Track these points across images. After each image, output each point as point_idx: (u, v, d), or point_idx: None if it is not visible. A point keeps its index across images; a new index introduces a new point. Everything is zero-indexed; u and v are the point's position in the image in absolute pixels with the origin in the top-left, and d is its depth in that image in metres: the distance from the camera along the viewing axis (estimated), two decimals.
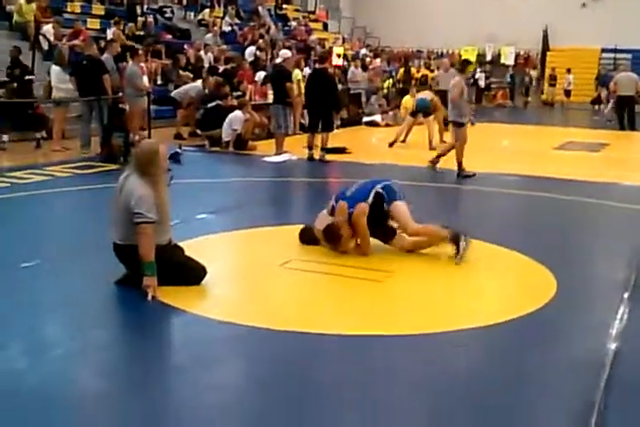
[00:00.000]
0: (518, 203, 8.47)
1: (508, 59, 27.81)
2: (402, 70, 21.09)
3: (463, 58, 15.27)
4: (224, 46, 17.99)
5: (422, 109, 13.09)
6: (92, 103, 11.06)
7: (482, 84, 25.07)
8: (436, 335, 4.16)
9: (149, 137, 11.41)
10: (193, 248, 5.22)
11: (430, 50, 28.40)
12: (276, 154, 11.19)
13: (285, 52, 12.27)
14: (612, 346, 4.01)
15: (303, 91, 12.29)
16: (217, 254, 5.86)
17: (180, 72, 15.12)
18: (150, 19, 18.11)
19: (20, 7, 15.10)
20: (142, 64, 12.43)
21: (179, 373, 3.72)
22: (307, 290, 5.06)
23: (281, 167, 10.58)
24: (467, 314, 4.57)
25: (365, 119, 17.31)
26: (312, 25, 25.77)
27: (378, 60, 22.36)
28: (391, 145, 12.89)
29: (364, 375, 3.66)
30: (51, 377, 3.56)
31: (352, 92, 18.08)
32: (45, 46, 14.61)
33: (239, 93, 14.15)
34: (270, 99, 12.57)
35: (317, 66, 12.07)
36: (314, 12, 28.32)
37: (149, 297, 4.53)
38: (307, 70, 14.78)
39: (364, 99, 18.51)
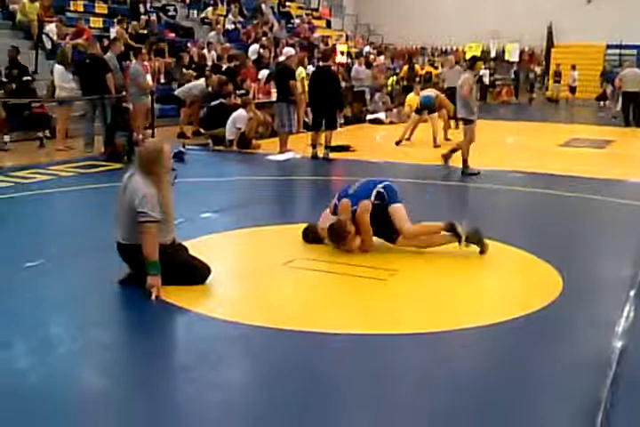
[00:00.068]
0: (523, 200, 8.44)
1: (512, 55, 27.76)
2: (406, 67, 21.06)
3: (472, 55, 15.22)
4: (227, 44, 17.97)
5: (427, 107, 13.05)
6: (96, 102, 11.06)
7: (486, 80, 25.01)
8: (441, 334, 4.14)
9: (153, 136, 11.41)
10: (197, 247, 5.22)
11: (434, 47, 28.35)
12: (280, 152, 11.17)
13: (289, 50, 12.26)
14: (618, 344, 3.99)
15: (307, 89, 12.27)
16: (221, 253, 5.85)
17: (184, 70, 15.10)
18: (153, 17, 18.11)
19: (23, 6, 15.12)
20: (146, 63, 12.42)
21: (183, 372, 3.71)
22: (311, 289, 5.05)
23: (285, 166, 10.57)
24: (471, 312, 4.55)
25: (369, 117, 17.28)
26: (315, 22, 25.76)
27: (381, 58, 22.32)
28: (398, 143, 12.86)
29: (369, 374, 3.65)
30: (54, 376, 3.56)
31: (356, 89, 18.04)
32: (48, 45, 14.62)
33: (242, 92, 14.13)
34: (274, 97, 12.56)
35: (321, 63, 12.04)
36: (317, 10, 28.29)
37: (153, 297, 4.52)
38: (310, 68, 14.75)
39: (367, 96, 18.47)
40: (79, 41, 14.21)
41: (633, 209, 7.76)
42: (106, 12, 17.81)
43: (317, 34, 23.42)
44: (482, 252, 5.65)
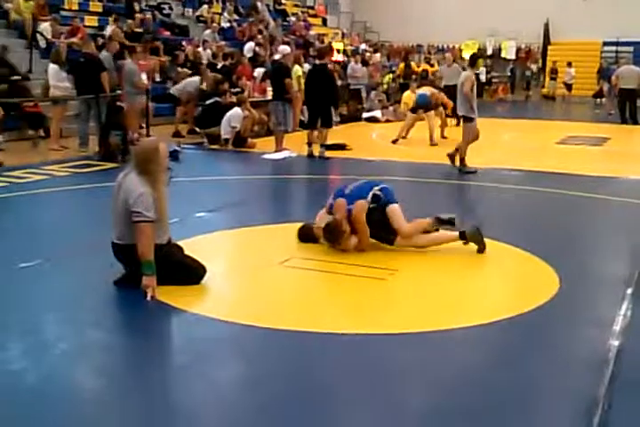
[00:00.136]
0: (520, 198, 8.43)
1: (509, 53, 27.76)
2: (402, 65, 21.04)
3: (473, 52, 15.21)
4: (222, 42, 17.93)
5: (422, 105, 13.03)
6: (90, 101, 11.02)
7: (483, 78, 24.99)
8: (439, 333, 4.12)
9: (148, 135, 11.38)
10: (192, 247, 5.19)
11: (431, 44, 28.31)
12: (276, 151, 11.15)
13: (285, 48, 12.21)
14: (616, 343, 3.98)
15: (303, 87, 12.24)
16: (216, 253, 5.82)
17: (179, 69, 15.07)
18: (148, 15, 18.05)
19: (17, 5, 15.06)
20: (142, 61, 12.38)
21: (179, 372, 3.69)
22: (307, 288, 5.03)
23: (281, 164, 10.54)
24: (469, 311, 4.54)
25: (365, 115, 17.26)
26: (311, 20, 25.70)
27: (377, 56, 22.30)
28: (394, 142, 12.83)
29: (367, 374, 3.63)
30: (50, 377, 3.54)
31: (352, 87, 18.02)
32: (43, 44, 14.56)
33: (238, 90, 14.10)
34: (269, 95, 12.53)
35: (317, 62, 12.01)
36: (313, 7, 28.25)
37: (149, 297, 4.50)
38: (307, 66, 14.72)
39: (364, 94, 18.45)
40: (74, 40, 14.19)
41: (630, 207, 7.75)
42: (100, 10, 17.75)
43: (313, 32, 23.38)
44: (480, 251, 5.64)
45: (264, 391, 3.43)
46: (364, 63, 19.45)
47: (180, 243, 5.08)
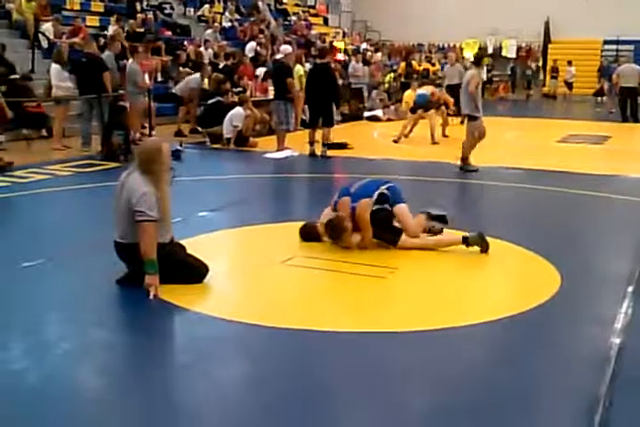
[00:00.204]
0: (521, 197, 8.43)
1: (509, 51, 27.74)
2: (403, 64, 21.05)
3: (479, 52, 15.24)
4: (224, 42, 17.94)
5: (421, 105, 13.03)
6: (92, 101, 11.03)
7: (484, 77, 24.96)
8: (440, 331, 4.13)
9: (150, 135, 11.39)
10: (195, 246, 5.21)
11: (431, 43, 28.30)
12: (278, 150, 11.16)
13: (286, 48, 12.22)
14: (617, 341, 3.99)
15: (304, 86, 12.24)
16: (219, 252, 5.84)
17: (180, 69, 15.08)
18: (150, 15, 18.06)
19: (19, 5, 15.08)
20: (143, 61, 12.39)
21: (181, 370, 3.71)
22: (310, 287, 5.04)
23: (282, 164, 10.55)
24: (470, 310, 4.55)
25: (367, 114, 17.26)
26: (312, 20, 25.71)
27: (379, 55, 22.29)
28: (396, 141, 12.83)
29: (370, 372, 3.64)
30: (52, 377, 3.55)
31: (353, 86, 18.03)
32: (45, 44, 14.59)
33: (240, 90, 14.11)
34: (271, 95, 12.54)
35: (318, 61, 12.01)
36: (314, 7, 28.25)
37: (151, 296, 4.51)
38: (308, 65, 14.73)
39: (365, 93, 18.45)
40: (76, 40, 14.19)
41: (631, 205, 7.76)
42: (102, 10, 17.76)
43: (314, 31, 23.38)
44: (483, 251, 5.64)
45: (266, 390, 3.44)
46: (366, 62, 19.47)
47: (182, 242, 5.09)
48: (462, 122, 12.49)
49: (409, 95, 14.64)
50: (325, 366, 3.75)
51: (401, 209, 5.75)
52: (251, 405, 3.33)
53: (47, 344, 3.96)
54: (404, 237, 5.71)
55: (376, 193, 5.71)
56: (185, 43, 17.43)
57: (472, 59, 23.16)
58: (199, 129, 12.90)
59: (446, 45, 28.11)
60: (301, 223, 6.10)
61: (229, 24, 20.65)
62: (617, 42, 25.92)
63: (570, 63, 25.03)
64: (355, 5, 30.43)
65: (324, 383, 3.56)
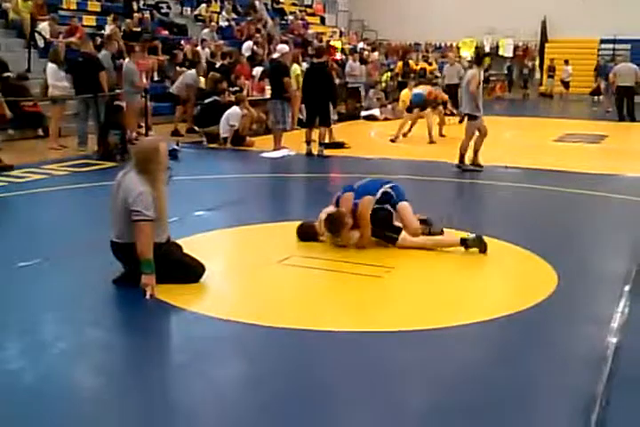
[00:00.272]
0: (518, 196, 8.44)
1: (506, 51, 27.74)
2: (400, 64, 21.04)
3: (481, 51, 15.26)
4: (221, 41, 17.93)
5: (417, 105, 13.03)
6: (89, 101, 11.01)
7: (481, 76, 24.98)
8: (436, 331, 4.13)
9: (147, 135, 11.38)
10: (191, 245, 5.20)
11: (428, 42, 28.30)
12: (275, 149, 11.15)
13: (283, 47, 12.21)
14: (614, 340, 3.99)
15: (301, 86, 12.24)
16: (215, 252, 5.83)
17: (177, 68, 15.06)
18: (147, 15, 18.04)
19: (15, 4, 15.05)
20: (140, 61, 12.38)
21: (178, 370, 3.70)
22: (306, 287, 5.04)
23: (279, 163, 10.55)
24: (466, 309, 4.55)
25: (364, 113, 17.26)
26: (309, 19, 25.70)
27: (376, 54, 22.29)
28: (393, 140, 12.83)
29: (367, 372, 3.64)
30: (48, 376, 3.54)
31: (350, 86, 18.02)
32: (41, 44, 14.57)
33: (236, 89, 14.10)
34: (268, 94, 12.53)
35: (315, 60, 12.01)
36: (311, 6, 28.23)
37: (148, 295, 4.51)
38: (305, 65, 14.72)
39: (362, 93, 18.44)
40: (72, 39, 14.17)
41: (628, 204, 7.77)
42: (99, 9, 17.74)
43: (311, 30, 23.36)
44: (481, 251, 5.63)
45: (263, 390, 3.44)
46: (363, 62, 19.45)
47: (179, 241, 5.08)
48: (461, 121, 12.51)
49: (406, 94, 14.63)
50: (322, 366, 3.75)
51: (404, 206, 5.77)
52: (248, 404, 3.33)
53: (43, 344, 3.95)
54: (403, 235, 5.71)
55: (380, 191, 5.73)
56: (182, 42, 17.41)
57: (469, 58, 23.27)
58: (196, 128, 12.89)
59: (443, 45, 28.12)
60: (298, 223, 6.09)
61: (226, 23, 20.63)
62: (614, 41, 25.93)
63: (566, 62, 25.05)
64: (351, 5, 30.42)
65: (320, 383, 3.55)
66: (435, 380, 3.60)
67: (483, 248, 5.61)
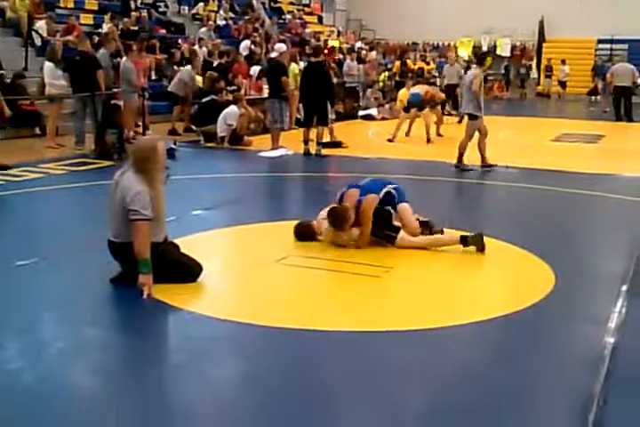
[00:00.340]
0: (515, 195, 8.44)
1: (504, 50, 27.76)
2: (398, 63, 21.04)
3: (483, 51, 15.26)
4: (218, 40, 17.91)
5: (414, 104, 13.03)
6: (86, 99, 11.00)
7: None
8: (434, 331, 4.13)
9: (144, 134, 11.36)
10: (188, 245, 5.20)
11: (426, 42, 28.31)
12: (272, 149, 11.14)
13: (281, 46, 12.20)
14: (611, 340, 3.99)
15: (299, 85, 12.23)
16: (213, 251, 5.82)
17: (175, 67, 15.05)
18: (144, 13, 18.03)
19: (12, 3, 15.04)
20: (137, 60, 12.36)
21: (175, 370, 3.70)
22: (304, 286, 5.03)
23: (277, 162, 10.54)
24: (464, 309, 4.55)
25: (361, 113, 17.26)
26: (307, 18, 25.71)
27: (373, 53, 22.30)
28: (391, 140, 12.82)
29: (364, 372, 3.63)
30: (46, 376, 3.54)
31: (348, 85, 18.01)
32: (38, 42, 14.55)
33: (234, 88, 14.09)
34: (265, 93, 12.52)
35: (312, 59, 12.00)
36: (308, 5, 28.24)
37: (145, 295, 4.50)
38: (302, 64, 14.71)
39: (360, 92, 18.44)
40: (69, 38, 14.15)
41: (625, 204, 7.78)
42: (96, 8, 17.73)
43: (309, 30, 23.36)
44: (479, 250, 5.64)
45: (260, 389, 3.44)
46: (360, 61, 19.47)
47: (176, 241, 5.08)
48: (460, 121, 12.53)
49: (403, 94, 14.60)
50: (320, 366, 3.74)
51: (404, 207, 5.85)
52: (245, 404, 3.33)
53: (41, 343, 3.94)
54: (402, 234, 5.71)
55: (383, 191, 5.77)
56: (179, 41, 17.41)
57: (466, 57, 23.27)
58: (193, 128, 12.88)
59: (441, 44, 28.12)
60: (296, 222, 6.09)
61: (224, 22, 20.63)
62: (611, 41, 25.97)
63: (564, 62, 25.08)
64: (349, 4, 30.42)
65: (318, 383, 3.55)
66: (432, 380, 3.60)
67: (480, 246, 5.61)
